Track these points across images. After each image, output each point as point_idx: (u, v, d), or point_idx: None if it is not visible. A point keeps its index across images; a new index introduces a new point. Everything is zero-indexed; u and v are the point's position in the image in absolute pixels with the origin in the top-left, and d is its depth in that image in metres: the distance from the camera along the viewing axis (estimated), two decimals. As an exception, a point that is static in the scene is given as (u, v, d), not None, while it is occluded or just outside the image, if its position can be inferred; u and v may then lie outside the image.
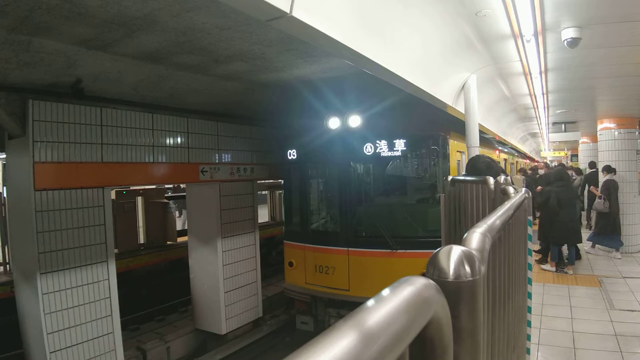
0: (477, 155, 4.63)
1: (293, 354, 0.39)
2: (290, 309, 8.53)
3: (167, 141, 6.60)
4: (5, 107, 4.85)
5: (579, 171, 15.04)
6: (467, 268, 0.77)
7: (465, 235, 1.05)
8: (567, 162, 22.01)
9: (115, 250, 6.49)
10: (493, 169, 3.93)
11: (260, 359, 7.58)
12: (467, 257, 0.79)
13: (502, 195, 2.40)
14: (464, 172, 6.13)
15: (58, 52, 4.64)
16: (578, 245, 8.87)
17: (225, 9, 3.81)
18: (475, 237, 1.04)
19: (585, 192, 12.65)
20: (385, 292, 0.56)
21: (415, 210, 6.91)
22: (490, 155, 9.09)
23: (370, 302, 0.53)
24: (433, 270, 0.77)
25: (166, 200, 10.21)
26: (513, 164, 17.12)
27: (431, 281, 0.64)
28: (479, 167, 3.97)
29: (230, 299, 7.61)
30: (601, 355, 4.97)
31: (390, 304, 0.53)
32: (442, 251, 0.79)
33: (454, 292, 0.75)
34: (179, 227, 11.46)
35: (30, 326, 5.25)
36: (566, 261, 8.60)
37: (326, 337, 0.42)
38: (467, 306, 0.78)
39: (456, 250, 0.79)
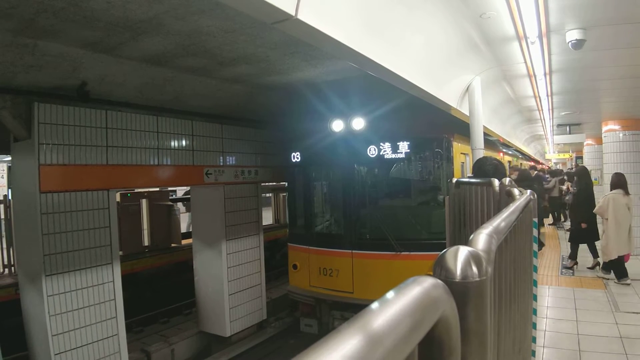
0: (484, 157, 4.62)
1: (299, 355, 0.38)
2: (295, 311, 8.52)
3: (172, 144, 6.61)
4: (11, 109, 4.87)
5: (553, 173, 15.47)
6: (475, 269, 0.77)
7: (472, 236, 1.05)
8: (572, 165, 21.99)
9: (120, 253, 6.50)
10: (500, 171, 3.92)
11: (264, 361, 7.58)
12: (474, 258, 0.79)
13: (507, 197, 2.40)
14: (469, 175, 6.11)
15: (64, 55, 4.67)
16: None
17: (230, 12, 3.82)
18: (482, 238, 1.04)
19: None
20: (393, 292, 0.56)
21: (419, 212, 6.90)
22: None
23: (378, 303, 0.52)
24: (440, 270, 0.77)
25: (171, 203, 10.23)
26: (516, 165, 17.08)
27: (439, 281, 0.64)
28: (486, 169, 3.96)
29: (234, 301, 7.61)
30: (607, 358, 4.94)
31: (397, 304, 0.53)
32: (449, 252, 0.79)
33: (461, 292, 0.75)
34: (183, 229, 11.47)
35: (35, 328, 5.26)
36: None
37: (332, 339, 0.42)
38: (474, 307, 0.78)
39: (463, 251, 0.79)
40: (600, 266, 8.17)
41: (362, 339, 0.42)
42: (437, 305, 0.60)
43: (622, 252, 7.62)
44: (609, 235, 7.68)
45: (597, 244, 8.35)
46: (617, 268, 7.71)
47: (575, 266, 8.70)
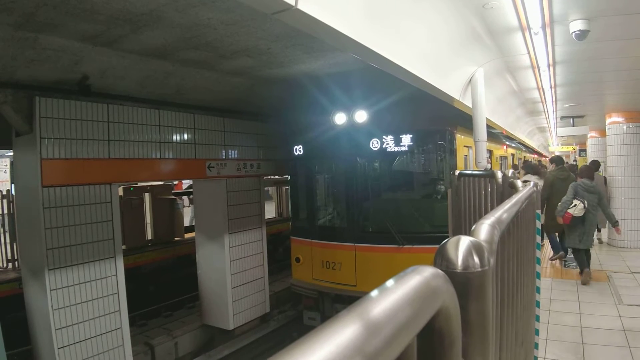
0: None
1: (296, 342, 0.37)
2: (298, 304, 8.54)
3: (174, 137, 6.60)
4: (13, 104, 4.86)
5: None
6: (476, 259, 0.76)
7: (474, 226, 1.04)
8: (575, 157, 21.94)
9: (123, 247, 6.51)
10: None
11: (267, 354, 7.58)
12: (476, 248, 0.77)
13: (510, 189, 2.38)
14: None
15: (64, 49, 4.65)
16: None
17: (230, 3, 3.79)
18: (484, 228, 1.02)
19: None
20: (393, 281, 0.55)
21: (422, 205, 6.89)
22: (497, 150, 9.04)
23: (376, 291, 0.51)
24: (441, 260, 0.76)
25: (173, 197, 10.24)
26: (521, 158, 17.05)
27: (440, 271, 0.63)
28: None
29: (237, 294, 7.62)
30: (609, 351, 4.93)
31: (396, 293, 0.51)
32: (451, 242, 0.78)
33: (462, 283, 0.73)
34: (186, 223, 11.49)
35: (39, 322, 5.28)
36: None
37: (330, 326, 0.41)
38: (475, 297, 0.77)
39: (464, 241, 0.77)
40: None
41: (360, 327, 0.41)
42: (437, 295, 0.59)
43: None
44: None
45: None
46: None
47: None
